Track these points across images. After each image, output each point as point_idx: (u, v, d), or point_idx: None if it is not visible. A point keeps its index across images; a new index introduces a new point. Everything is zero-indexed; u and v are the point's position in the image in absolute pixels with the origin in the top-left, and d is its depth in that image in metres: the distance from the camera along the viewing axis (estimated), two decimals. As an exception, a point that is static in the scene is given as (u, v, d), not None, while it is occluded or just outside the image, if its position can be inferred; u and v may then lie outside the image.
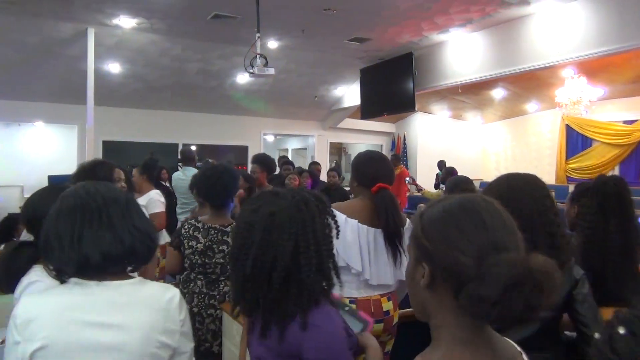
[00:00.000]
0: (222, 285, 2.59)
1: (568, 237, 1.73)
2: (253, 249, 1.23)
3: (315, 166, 7.25)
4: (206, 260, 2.54)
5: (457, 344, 0.85)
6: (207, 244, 2.55)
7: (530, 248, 1.57)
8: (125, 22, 6.58)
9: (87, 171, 2.43)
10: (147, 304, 1.22)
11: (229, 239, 2.55)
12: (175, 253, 2.61)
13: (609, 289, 2.09)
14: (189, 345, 1.30)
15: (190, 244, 2.55)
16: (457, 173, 6.76)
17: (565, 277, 1.65)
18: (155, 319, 1.21)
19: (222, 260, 2.55)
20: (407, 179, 8.08)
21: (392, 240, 2.20)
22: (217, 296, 2.58)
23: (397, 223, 2.19)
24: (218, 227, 2.60)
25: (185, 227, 2.60)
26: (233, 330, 2.73)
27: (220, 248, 2.56)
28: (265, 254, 1.22)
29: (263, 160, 4.64)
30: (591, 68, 8.09)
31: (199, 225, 2.59)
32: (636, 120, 9.90)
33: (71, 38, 6.84)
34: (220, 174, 2.69)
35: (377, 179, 2.24)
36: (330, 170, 6.50)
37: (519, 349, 0.94)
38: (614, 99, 9.91)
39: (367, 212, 2.19)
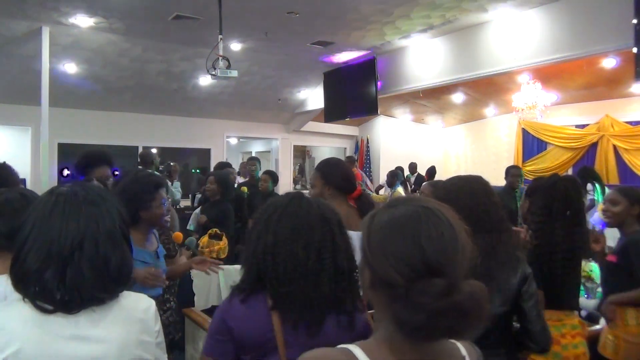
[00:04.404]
0: None
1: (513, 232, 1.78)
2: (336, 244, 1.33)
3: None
4: None
5: (386, 342, 0.88)
6: None
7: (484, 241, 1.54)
8: (82, 21, 6.38)
9: None
10: (123, 316, 1.17)
11: None
12: None
13: (549, 291, 2.09)
14: (163, 357, 1.27)
15: None
16: (401, 176, 7.14)
17: (516, 271, 1.69)
18: (132, 330, 1.17)
19: None
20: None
21: None
22: None
23: None
24: None
25: None
26: (196, 337, 2.69)
27: None
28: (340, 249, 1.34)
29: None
30: (545, 74, 8.39)
31: None
32: (587, 125, 10.33)
33: (24, 37, 6.58)
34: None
35: (354, 183, 2.23)
36: (265, 173, 5.76)
37: (463, 353, 0.94)
38: (566, 104, 10.31)
39: (355, 219, 2.07)
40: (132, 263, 1.25)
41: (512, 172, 5.91)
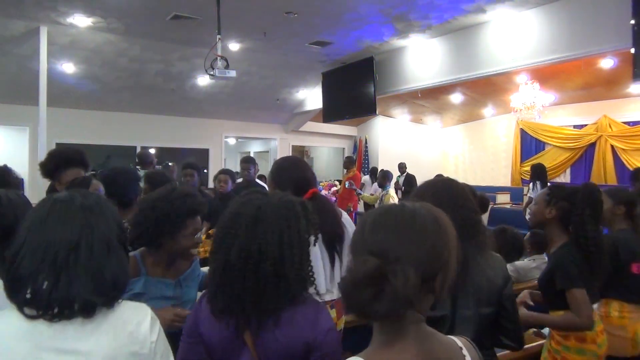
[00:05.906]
0: None
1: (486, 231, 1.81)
2: (238, 239, 1.29)
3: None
4: None
5: (380, 346, 0.91)
6: None
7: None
8: (80, 20, 6.37)
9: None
10: (113, 329, 1.14)
11: None
12: None
13: (590, 289, 2.16)
14: None
15: None
16: (391, 176, 7.19)
17: (497, 272, 1.70)
18: (120, 344, 1.14)
19: None
20: (347, 183, 8.11)
21: (332, 245, 2.16)
22: None
23: (336, 227, 2.17)
24: None
25: None
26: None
27: None
28: (250, 244, 1.28)
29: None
30: (543, 75, 8.41)
31: None
32: (585, 125, 10.36)
33: (22, 36, 6.57)
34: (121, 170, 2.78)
35: (308, 185, 2.19)
36: (222, 173, 5.02)
37: (459, 344, 0.98)
38: (564, 104, 10.34)
39: None
40: (129, 272, 1.25)
41: None
